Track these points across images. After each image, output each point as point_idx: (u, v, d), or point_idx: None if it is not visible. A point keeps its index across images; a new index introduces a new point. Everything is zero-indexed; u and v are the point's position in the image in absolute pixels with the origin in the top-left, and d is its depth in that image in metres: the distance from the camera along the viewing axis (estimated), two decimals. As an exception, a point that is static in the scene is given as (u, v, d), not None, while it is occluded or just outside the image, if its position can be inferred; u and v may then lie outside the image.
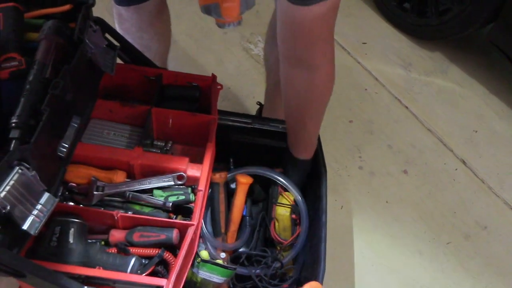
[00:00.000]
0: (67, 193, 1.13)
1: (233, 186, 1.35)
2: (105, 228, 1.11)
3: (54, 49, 1.02)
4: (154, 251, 1.06)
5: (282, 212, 1.29)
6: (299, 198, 1.29)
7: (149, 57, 1.39)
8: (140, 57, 1.35)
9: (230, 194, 1.35)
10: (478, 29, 2.17)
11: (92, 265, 1.01)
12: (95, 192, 1.12)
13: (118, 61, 1.27)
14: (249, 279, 1.26)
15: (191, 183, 1.17)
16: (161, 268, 1.06)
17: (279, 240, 1.30)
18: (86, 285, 0.95)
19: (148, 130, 1.26)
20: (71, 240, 1.03)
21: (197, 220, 1.09)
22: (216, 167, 1.30)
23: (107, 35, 1.24)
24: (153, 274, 1.04)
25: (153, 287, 0.98)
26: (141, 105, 1.28)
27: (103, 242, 1.10)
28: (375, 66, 2.27)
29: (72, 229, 1.04)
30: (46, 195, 0.88)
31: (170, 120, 1.29)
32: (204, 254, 1.25)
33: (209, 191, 1.29)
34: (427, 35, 2.35)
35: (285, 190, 1.33)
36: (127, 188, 1.14)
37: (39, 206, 0.86)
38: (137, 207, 1.13)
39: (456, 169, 1.95)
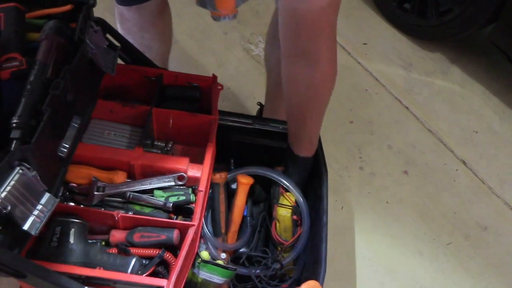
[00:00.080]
0: (67, 193, 1.13)
1: (233, 186, 1.35)
2: (106, 228, 1.11)
3: (55, 49, 1.02)
4: (154, 251, 1.06)
5: (283, 213, 1.29)
6: (300, 199, 1.29)
7: (150, 57, 1.39)
8: (140, 58, 1.35)
9: (231, 195, 1.35)
10: (478, 29, 2.17)
11: (92, 266, 1.01)
12: (95, 193, 1.12)
13: (119, 61, 1.27)
14: (250, 280, 1.26)
15: (192, 184, 1.17)
16: (161, 269, 1.05)
17: (280, 240, 1.30)
18: (86, 286, 0.95)
19: (149, 130, 1.26)
20: (71, 241, 1.03)
21: (198, 221, 1.09)
22: (216, 167, 1.30)
23: (108, 36, 1.24)
24: (154, 274, 1.04)
25: (153, 287, 0.98)
26: (142, 106, 1.28)
27: (103, 243, 1.10)
28: (375, 67, 2.27)
29: (73, 230, 1.04)
30: (46, 196, 0.88)
31: (171, 120, 1.29)
32: (205, 254, 1.25)
33: (209, 191, 1.29)
34: (427, 35, 2.35)
35: (286, 190, 1.33)
36: (127, 189, 1.14)
37: (39, 207, 0.87)
38: (137, 208, 1.13)
39: (457, 170, 1.96)
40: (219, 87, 1.36)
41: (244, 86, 2.09)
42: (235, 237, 1.32)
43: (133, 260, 1.03)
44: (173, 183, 1.15)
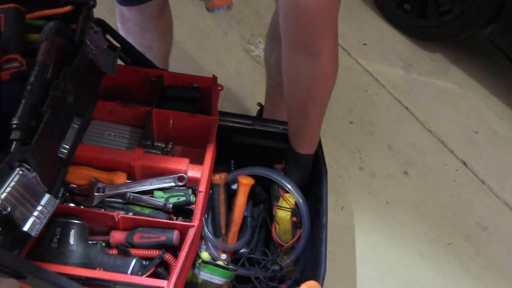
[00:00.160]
0: (67, 194, 1.13)
1: (234, 187, 1.35)
2: (106, 229, 1.11)
3: (55, 50, 1.02)
4: (154, 252, 1.06)
5: (282, 215, 1.28)
6: (300, 200, 1.29)
7: (150, 57, 1.39)
8: (141, 58, 1.35)
9: (232, 195, 1.35)
10: (478, 30, 2.17)
11: (92, 267, 1.01)
12: (95, 193, 1.12)
13: (119, 62, 1.28)
14: (250, 281, 1.26)
15: (192, 184, 1.17)
16: (161, 270, 1.05)
17: (280, 242, 1.30)
18: (86, 287, 0.95)
19: (149, 131, 1.26)
20: (71, 242, 1.03)
21: (198, 222, 1.09)
22: (216, 168, 1.30)
23: (108, 37, 1.25)
24: (154, 275, 1.04)
25: (153, 288, 0.98)
26: (142, 106, 1.28)
27: (103, 243, 1.10)
28: (375, 67, 2.27)
29: (73, 230, 1.04)
30: (46, 197, 0.89)
31: (171, 121, 1.29)
32: (205, 255, 1.25)
33: (210, 192, 1.29)
34: (427, 36, 2.35)
35: (286, 191, 1.32)
36: (127, 189, 1.14)
37: (39, 208, 0.87)
38: (137, 208, 1.13)
39: (457, 170, 1.96)
40: (219, 88, 1.36)
41: (244, 87, 2.09)
42: (235, 237, 1.32)
43: (133, 261, 1.03)
44: (173, 184, 1.15)
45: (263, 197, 1.39)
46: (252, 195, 1.37)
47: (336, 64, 1.16)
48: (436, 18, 2.23)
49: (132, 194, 1.14)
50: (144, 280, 1.00)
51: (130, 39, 1.43)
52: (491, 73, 2.30)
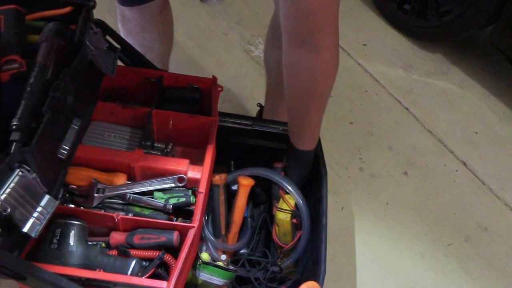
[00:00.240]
0: (67, 195, 1.13)
1: (234, 188, 1.35)
2: (106, 230, 1.11)
3: (55, 51, 1.02)
4: (154, 253, 1.06)
5: (282, 217, 1.28)
6: (300, 201, 1.28)
7: (151, 58, 1.39)
8: (141, 59, 1.35)
9: (232, 196, 1.35)
10: (478, 30, 2.17)
11: (92, 268, 1.01)
12: (95, 194, 1.12)
13: (119, 63, 1.28)
14: (250, 282, 1.26)
15: (192, 185, 1.17)
16: (161, 271, 1.05)
17: (280, 244, 1.30)
18: (86, 288, 0.95)
19: (149, 132, 1.26)
20: (71, 243, 1.03)
21: (198, 222, 1.09)
22: (216, 168, 1.30)
23: (108, 37, 1.25)
24: (154, 276, 1.04)
25: (153, 289, 0.98)
26: (142, 107, 1.28)
27: (103, 244, 1.10)
28: (375, 68, 2.27)
29: (73, 231, 1.04)
30: (46, 198, 0.89)
31: (171, 122, 1.29)
32: (205, 256, 1.25)
33: (209, 193, 1.29)
34: (427, 36, 2.35)
35: (286, 192, 1.32)
36: (127, 190, 1.14)
37: (39, 209, 0.87)
38: (137, 209, 1.13)
39: (457, 171, 1.95)
40: (219, 89, 1.36)
41: (244, 87, 2.09)
42: (235, 238, 1.32)
43: (133, 262, 1.03)
44: (173, 185, 1.15)
45: (263, 197, 1.39)
46: (252, 196, 1.37)
47: (337, 60, 1.15)
48: (436, 19, 2.23)
49: (132, 195, 1.14)
50: (144, 281, 1.00)
51: (130, 39, 1.43)
52: (491, 73, 2.30)
